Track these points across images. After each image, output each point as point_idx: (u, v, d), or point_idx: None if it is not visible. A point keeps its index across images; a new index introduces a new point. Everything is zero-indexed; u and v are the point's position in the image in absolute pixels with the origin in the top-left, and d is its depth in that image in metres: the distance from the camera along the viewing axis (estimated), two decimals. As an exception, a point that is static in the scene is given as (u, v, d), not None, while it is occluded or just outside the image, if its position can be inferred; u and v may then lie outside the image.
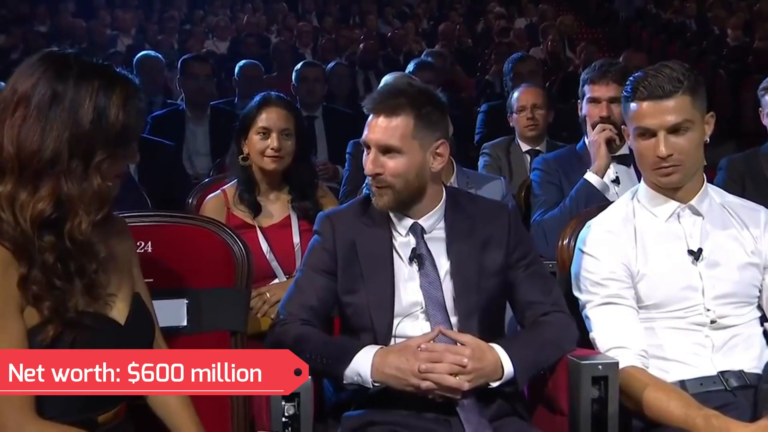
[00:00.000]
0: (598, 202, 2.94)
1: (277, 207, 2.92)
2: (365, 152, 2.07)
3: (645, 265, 2.14)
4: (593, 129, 3.10)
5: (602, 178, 3.00)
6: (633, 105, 2.14)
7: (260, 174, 2.88)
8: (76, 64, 1.60)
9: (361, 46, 7.51)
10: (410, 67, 4.89)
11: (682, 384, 2.07)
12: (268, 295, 2.68)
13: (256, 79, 5.42)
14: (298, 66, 4.93)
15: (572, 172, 3.11)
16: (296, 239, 2.86)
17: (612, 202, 2.96)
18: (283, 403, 1.91)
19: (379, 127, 2.04)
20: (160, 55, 5.54)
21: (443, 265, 2.09)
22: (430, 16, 11.93)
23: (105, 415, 1.69)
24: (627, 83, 2.17)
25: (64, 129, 1.55)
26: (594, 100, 3.15)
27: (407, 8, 12.86)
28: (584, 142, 3.23)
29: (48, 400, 1.58)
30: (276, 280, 2.80)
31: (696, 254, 2.14)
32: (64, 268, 1.58)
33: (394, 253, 2.10)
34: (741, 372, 2.07)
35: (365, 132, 2.07)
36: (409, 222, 2.11)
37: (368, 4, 12.51)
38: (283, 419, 1.91)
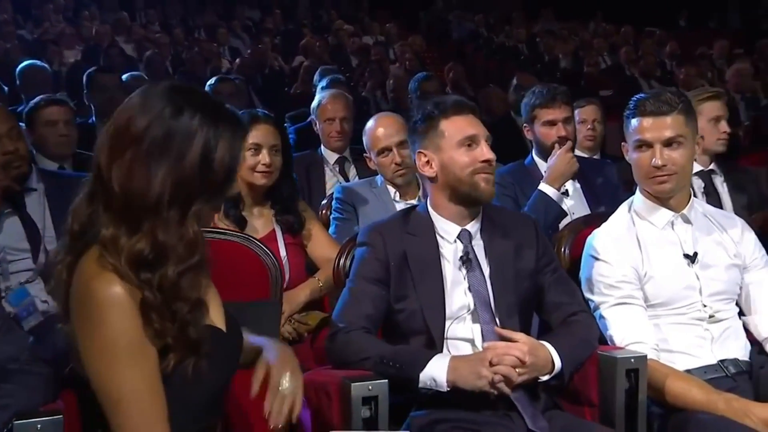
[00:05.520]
0: (555, 211, 3.22)
1: (261, 222, 2.94)
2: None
3: (650, 268, 2.39)
4: (552, 149, 3.37)
5: (558, 191, 3.26)
6: (635, 121, 2.41)
7: (246, 189, 2.89)
8: (191, 102, 1.53)
9: (238, 61, 7.46)
10: (323, 83, 5.02)
11: (688, 373, 2.33)
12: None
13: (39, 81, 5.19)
14: (212, 81, 4.90)
15: (526, 185, 3.36)
16: (283, 252, 2.90)
17: (566, 214, 3.28)
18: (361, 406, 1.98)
19: None
20: (47, 66, 5.28)
21: (484, 268, 2.24)
22: (277, 32, 11.96)
23: (208, 426, 1.71)
24: (630, 103, 2.43)
25: (169, 174, 1.50)
26: (549, 123, 3.43)
27: (249, 21, 12.86)
28: (532, 157, 3.50)
29: (176, 410, 1.57)
30: (266, 294, 2.81)
31: (692, 258, 2.41)
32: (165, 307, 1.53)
33: (442, 260, 2.23)
34: (736, 360, 2.37)
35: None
36: (456, 229, 2.26)
37: (211, 17, 12.38)
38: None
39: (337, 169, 4.07)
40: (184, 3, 12.99)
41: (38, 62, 5.36)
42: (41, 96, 3.84)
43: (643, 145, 2.39)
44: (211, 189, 1.54)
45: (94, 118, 4.61)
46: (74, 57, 9.10)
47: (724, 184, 3.50)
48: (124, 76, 5.32)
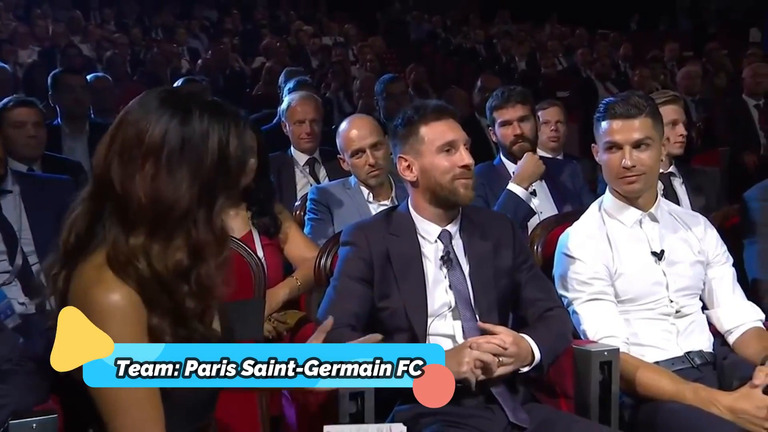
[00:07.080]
0: (524, 210, 3.32)
1: (237, 223, 2.97)
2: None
3: (621, 265, 2.49)
4: (512, 148, 3.48)
5: (526, 190, 3.36)
6: (604, 123, 2.50)
7: (223, 190, 2.92)
8: (195, 105, 1.57)
9: (200, 62, 7.45)
10: (290, 85, 5.06)
11: (657, 365, 2.43)
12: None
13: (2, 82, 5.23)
14: (179, 82, 4.91)
15: (494, 185, 3.46)
16: (260, 253, 2.93)
17: (534, 212, 3.38)
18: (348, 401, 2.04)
19: None
20: (7, 66, 5.23)
21: (464, 266, 2.32)
22: (235, 32, 11.92)
23: (202, 425, 1.74)
24: (600, 106, 2.53)
25: (194, 178, 1.54)
26: (506, 123, 3.56)
27: (207, 22, 12.80)
28: (500, 158, 3.60)
29: (170, 412, 1.59)
30: (243, 295, 2.86)
31: (659, 255, 2.52)
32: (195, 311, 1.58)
33: (424, 259, 2.30)
34: (701, 351, 2.48)
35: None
36: (437, 229, 2.33)
37: (168, 17, 12.30)
38: (345, 418, 2.04)
39: (308, 170, 4.11)
40: (141, 2, 12.89)
41: (-1, 62, 5.33)
42: (10, 97, 3.82)
43: (613, 146, 2.49)
44: (229, 182, 1.59)
45: (59, 120, 4.59)
46: (29, 57, 8.97)
47: (683, 186, 3.60)
48: (87, 77, 5.28)
